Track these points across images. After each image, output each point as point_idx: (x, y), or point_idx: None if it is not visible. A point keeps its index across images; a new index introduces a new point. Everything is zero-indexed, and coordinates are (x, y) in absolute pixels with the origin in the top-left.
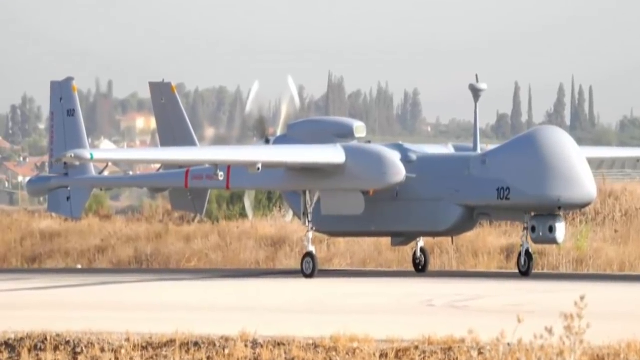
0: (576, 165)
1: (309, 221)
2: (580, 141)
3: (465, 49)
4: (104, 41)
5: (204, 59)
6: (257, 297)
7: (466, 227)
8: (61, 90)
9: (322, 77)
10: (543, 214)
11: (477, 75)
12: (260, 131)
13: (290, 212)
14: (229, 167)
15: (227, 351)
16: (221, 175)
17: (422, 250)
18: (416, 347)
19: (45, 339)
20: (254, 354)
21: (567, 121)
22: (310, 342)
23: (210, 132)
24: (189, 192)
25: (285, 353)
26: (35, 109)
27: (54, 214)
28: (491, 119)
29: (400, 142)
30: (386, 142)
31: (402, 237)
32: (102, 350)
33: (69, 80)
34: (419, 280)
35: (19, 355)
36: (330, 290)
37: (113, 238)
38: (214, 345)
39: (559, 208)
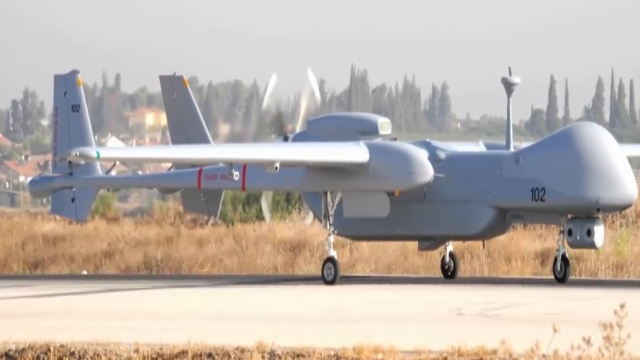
0: (616, 165)
1: (330, 224)
2: (620, 138)
3: (498, 41)
4: (111, 32)
5: (218, 51)
6: (275, 305)
7: (498, 231)
8: (65, 84)
9: (345, 70)
10: (580, 217)
11: (510, 68)
12: (278, 128)
13: (310, 215)
14: (244, 167)
15: None
16: (236, 175)
17: (451, 255)
18: (445, 359)
19: (49, 349)
20: None
21: (606, 117)
22: (332, 353)
23: (224, 128)
24: (201, 193)
25: None
26: (38, 104)
27: (57, 217)
28: (525, 114)
29: (428, 140)
30: (413, 140)
31: (429, 241)
32: None
33: (73, 73)
34: (447, 287)
35: None
36: (353, 297)
37: (121, 242)
38: (229, 356)
39: (598, 210)
